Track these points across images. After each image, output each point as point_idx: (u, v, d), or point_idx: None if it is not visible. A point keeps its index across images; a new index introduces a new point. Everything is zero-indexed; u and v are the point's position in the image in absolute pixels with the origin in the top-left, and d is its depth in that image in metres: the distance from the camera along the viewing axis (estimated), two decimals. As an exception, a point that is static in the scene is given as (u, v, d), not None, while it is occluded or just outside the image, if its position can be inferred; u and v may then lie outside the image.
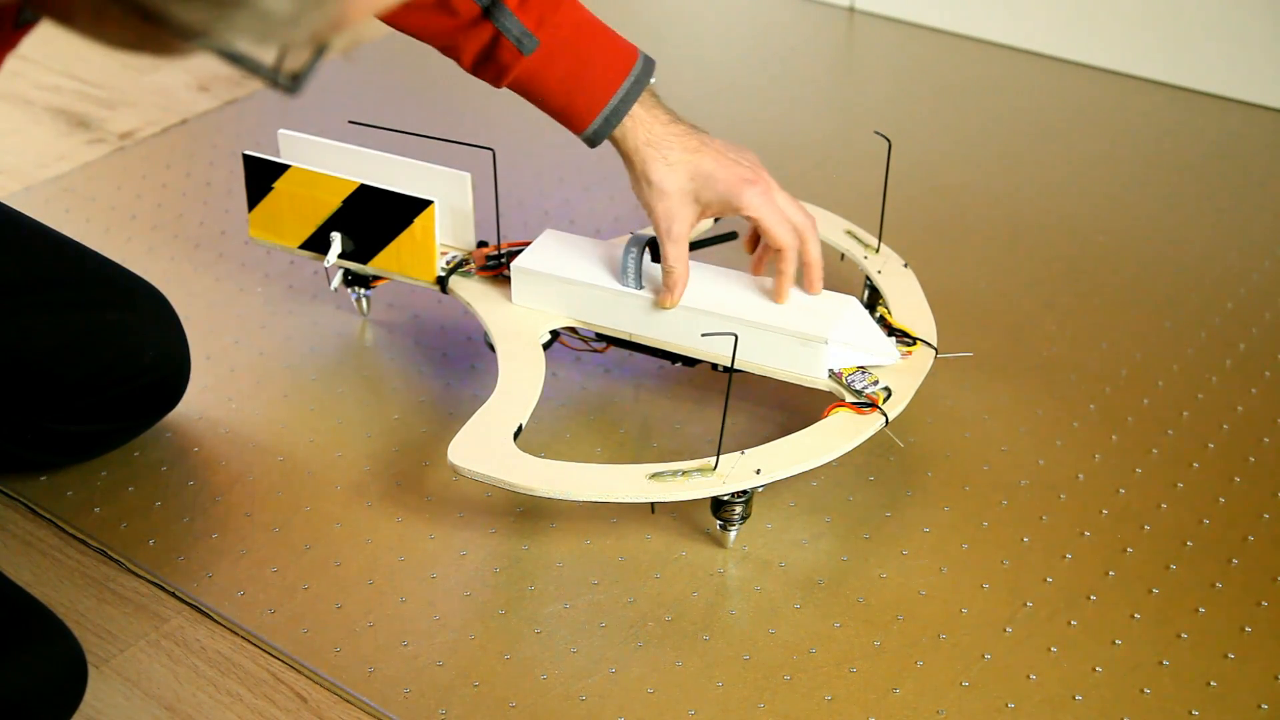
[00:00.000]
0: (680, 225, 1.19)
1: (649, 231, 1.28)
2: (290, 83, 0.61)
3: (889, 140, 1.34)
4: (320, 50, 0.61)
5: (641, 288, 1.25)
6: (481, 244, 1.36)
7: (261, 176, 1.37)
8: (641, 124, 1.17)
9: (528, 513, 1.22)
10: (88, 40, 0.61)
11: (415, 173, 1.34)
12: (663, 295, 1.22)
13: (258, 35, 0.58)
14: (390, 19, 1.17)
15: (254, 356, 1.41)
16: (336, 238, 1.35)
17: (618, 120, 1.17)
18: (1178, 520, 1.22)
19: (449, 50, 1.20)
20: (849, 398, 1.19)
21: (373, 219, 1.33)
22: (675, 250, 1.20)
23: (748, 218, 1.20)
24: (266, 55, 0.60)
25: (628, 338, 1.27)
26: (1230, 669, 1.09)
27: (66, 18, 0.60)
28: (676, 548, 1.19)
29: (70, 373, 1.21)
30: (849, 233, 1.39)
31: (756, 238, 1.27)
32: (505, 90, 1.22)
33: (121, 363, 1.24)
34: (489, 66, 1.18)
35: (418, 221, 1.31)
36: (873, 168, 1.49)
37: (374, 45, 1.97)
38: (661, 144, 1.17)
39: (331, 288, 1.42)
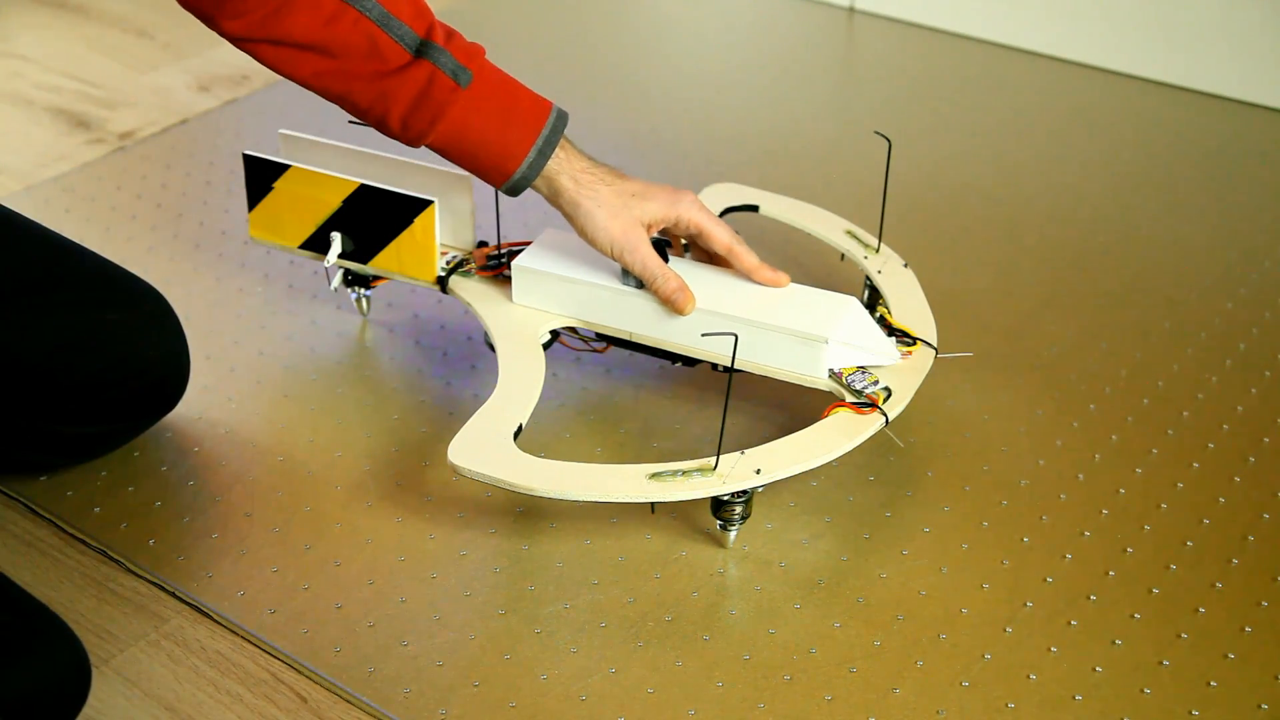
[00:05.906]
0: (635, 242, 1.21)
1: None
2: None
3: (889, 140, 1.34)
4: None
5: (642, 287, 1.25)
6: (481, 244, 1.36)
7: (261, 176, 1.37)
8: (566, 164, 1.21)
9: (528, 513, 1.22)
10: None
11: (415, 173, 1.34)
12: (678, 305, 1.23)
13: None
14: (318, 83, 1.17)
15: (254, 356, 1.41)
16: (336, 238, 1.35)
17: (544, 162, 1.19)
18: (1178, 520, 1.22)
19: (375, 105, 1.17)
20: (849, 398, 1.19)
21: (373, 219, 1.33)
22: (650, 264, 1.22)
23: (688, 227, 1.24)
24: None
25: (628, 338, 1.27)
26: (1230, 669, 1.09)
27: None
28: (676, 548, 1.19)
29: (70, 374, 1.21)
30: (849, 233, 1.39)
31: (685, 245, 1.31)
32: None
33: (121, 364, 1.24)
34: (422, 112, 1.16)
35: (418, 221, 1.31)
36: (873, 168, 1.49)
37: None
38: (587, 179, 1.21)
39: (331, 288, 1.42)
